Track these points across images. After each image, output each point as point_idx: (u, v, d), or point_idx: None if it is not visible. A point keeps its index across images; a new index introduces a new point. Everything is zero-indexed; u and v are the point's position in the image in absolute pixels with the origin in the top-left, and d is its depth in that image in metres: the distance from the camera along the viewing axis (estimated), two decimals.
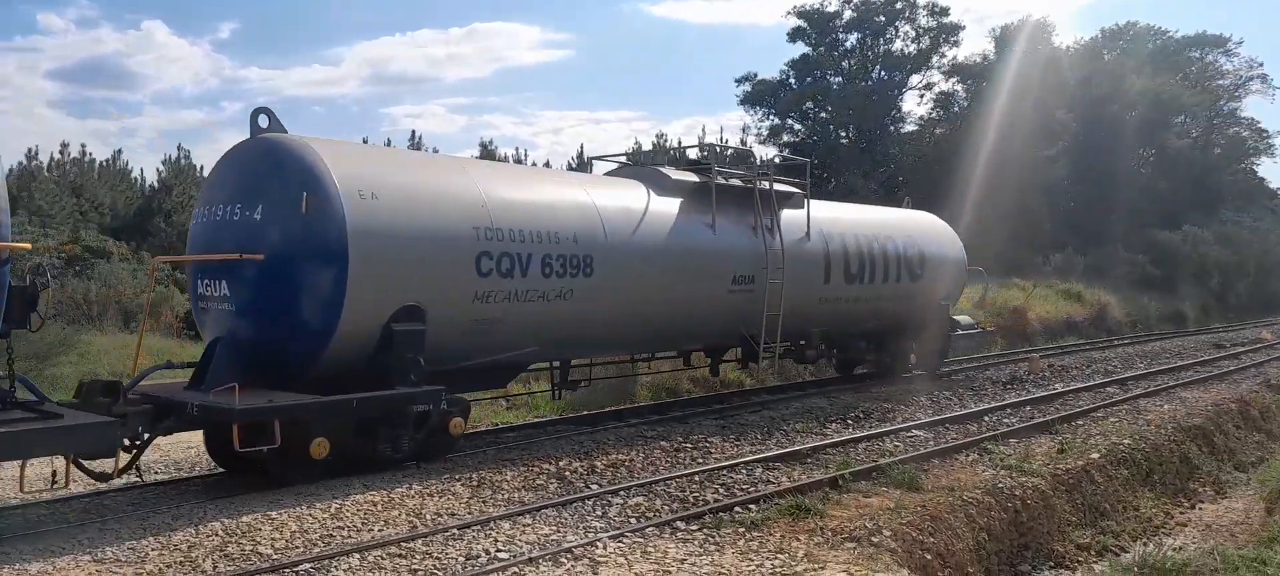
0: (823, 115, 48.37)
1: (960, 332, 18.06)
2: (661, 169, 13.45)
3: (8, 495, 9.26)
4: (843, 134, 48.09)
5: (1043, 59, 45.17)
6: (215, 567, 6.52)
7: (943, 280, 17.56)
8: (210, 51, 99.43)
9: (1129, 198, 45.71)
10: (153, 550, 6.87)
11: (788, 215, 14.42)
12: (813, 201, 15.25)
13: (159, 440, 11.17)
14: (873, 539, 7.45)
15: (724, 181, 13.56)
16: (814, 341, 15.18)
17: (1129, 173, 48.54)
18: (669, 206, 12.63)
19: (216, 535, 7.23)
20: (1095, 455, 11.08)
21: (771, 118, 48.73)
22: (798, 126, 48.57)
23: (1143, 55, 54.04)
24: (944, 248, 17.98)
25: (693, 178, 13.36)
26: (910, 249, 16.80)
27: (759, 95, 48.66)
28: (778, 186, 14.46)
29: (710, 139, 57.47)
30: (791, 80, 48.48)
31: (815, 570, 6.62)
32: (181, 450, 11.33)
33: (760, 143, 52.36)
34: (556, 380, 13.01)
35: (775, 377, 17.29)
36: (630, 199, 12.22)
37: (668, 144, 52.53)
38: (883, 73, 48.03)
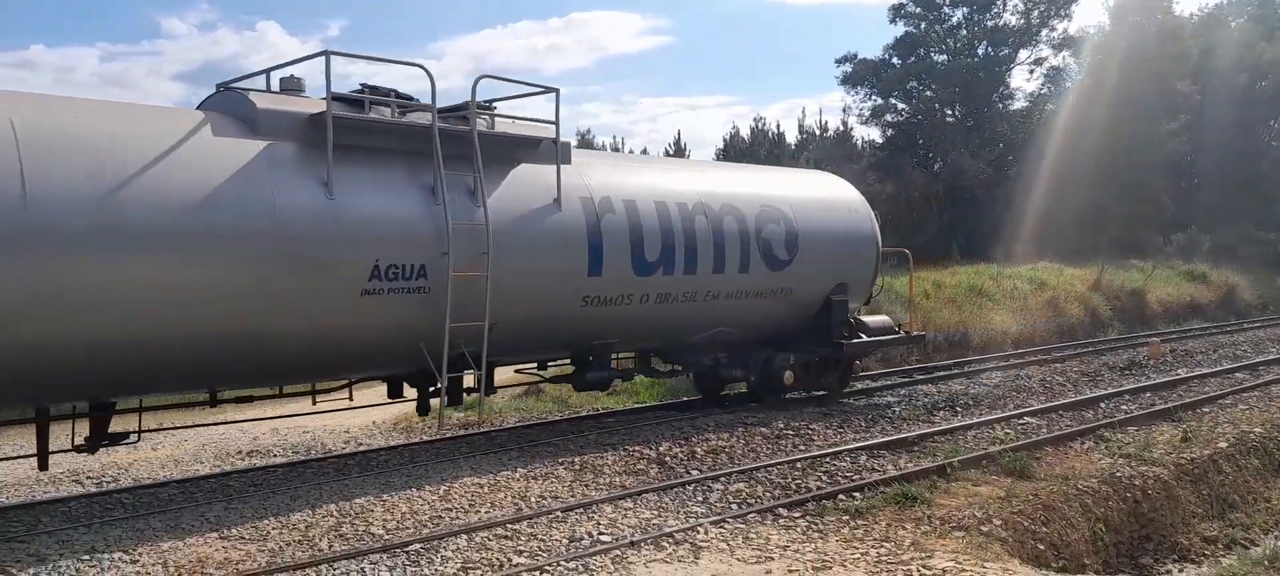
0: (927, 93, 47.11)
1: (866, 340, 12.98)
2: (250, 94, 8.50)
3: (143, 475, 9.82)
4: (949, 112, 46.78)
5: (1162, 29, 42.93)
6: (330, 547, 6.76)
7: (831, 268, 12.63)
8: (321, 49, 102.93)
9: (1264, 171, 43.10)
10: (273, 528, 7.18)
11: (523, 173, 9.73)
12: (589, 155, 11.43)
13: (277, 425, 11.73)
14: (982, 528, 7.25)
15: (358, 114, 8.63)
16: (600, 357, 10.65)
17: (1260, 147, 45.81)
18: (239, 155, 7.90)
19: (331, 515, 7.52)
20: (1223, 444, 10.52)
21: (873, 98, 47.72)
22: (901, 105, 47.45)
23: (1275, 21, 50.90)
24: (836, 223, 12.97)
25: (301, 110, 8.49)
26: (771, 225, 11.88)
27: (860, 75, 47.68)
28: (499, 126, 9.75)
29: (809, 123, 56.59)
30: (894, 59, 47.35)
31: (923, 559, 6.48)
32: (298, 434, 11.83)
33: (862, 123, 51.45)
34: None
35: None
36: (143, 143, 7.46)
37: (766, 129, 52.01)
38: (990, 48, 46.45)
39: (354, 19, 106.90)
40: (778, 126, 56.33)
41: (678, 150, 49.41)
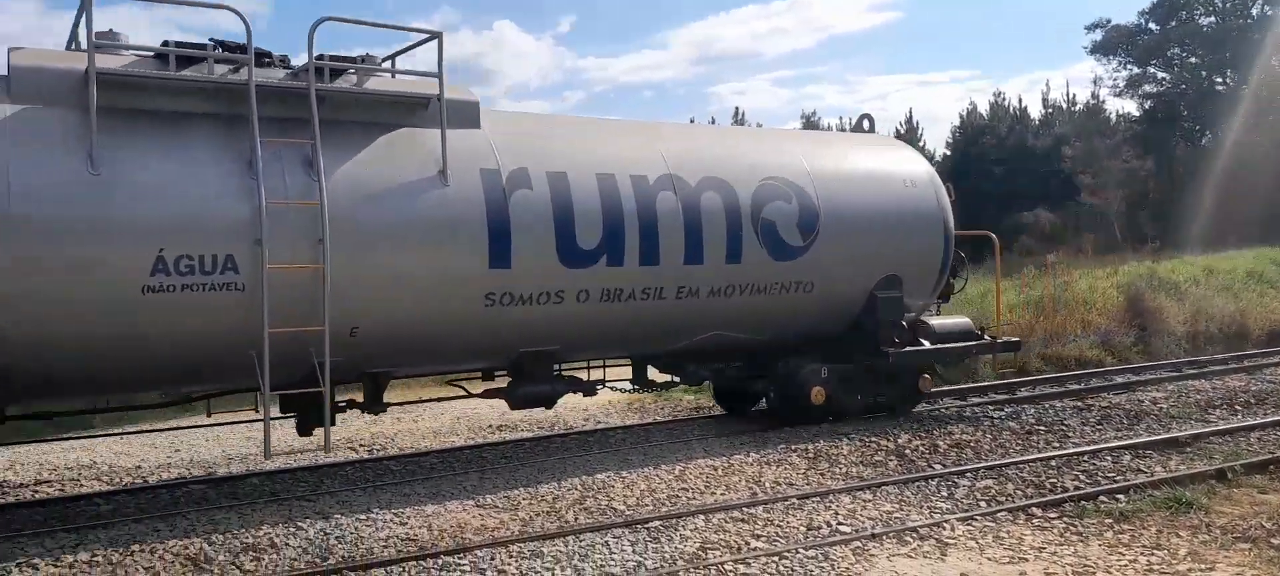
0: (1192, 60, 42.80)
1: (925, 348, 10.66)
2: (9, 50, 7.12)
3: (407, 445, 10.63)
4: (1218, 80, 42.27)
5: None
6: (576, 519, 7.04)
7: (874, 256, 10.29)
8: (552, 46, 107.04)
9: None
10: (524, 499, 7.58)
11: (402, 139, 8.09)
12: (515, 117, 9.59)
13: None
14: (1273, 541, 6.49)
15: (138, 72, 7.15)
16: (537, 367, 8.90)
17: None
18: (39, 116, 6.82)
19: (576, 489, 7.83)
20: None
21: (1128, 67, 43.94)
22: (1161, 75, 43.39)
23: None
24: (883, 200, 10.50)
25: (72, 66, 7.03)
26: (778, 203, 9.62)
27: (1113, 43, 44.05)
28: (369, 84, 8.12)
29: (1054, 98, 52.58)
30: (1151, 24, 43.35)
31: (1203, 571, 5.89)
32: (545, 414, 12.36)
33: (1115, 95, 47.50)
34: None
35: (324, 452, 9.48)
36: None
37: (1007, 104, 48.95)
38: (1267, 8, 41.50)
39: (582, 14, 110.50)
40: (1019, 101, 52.60)
41: (910, 129, 47.56)
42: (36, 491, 8.78)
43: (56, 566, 6.09)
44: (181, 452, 10.59)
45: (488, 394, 9.35)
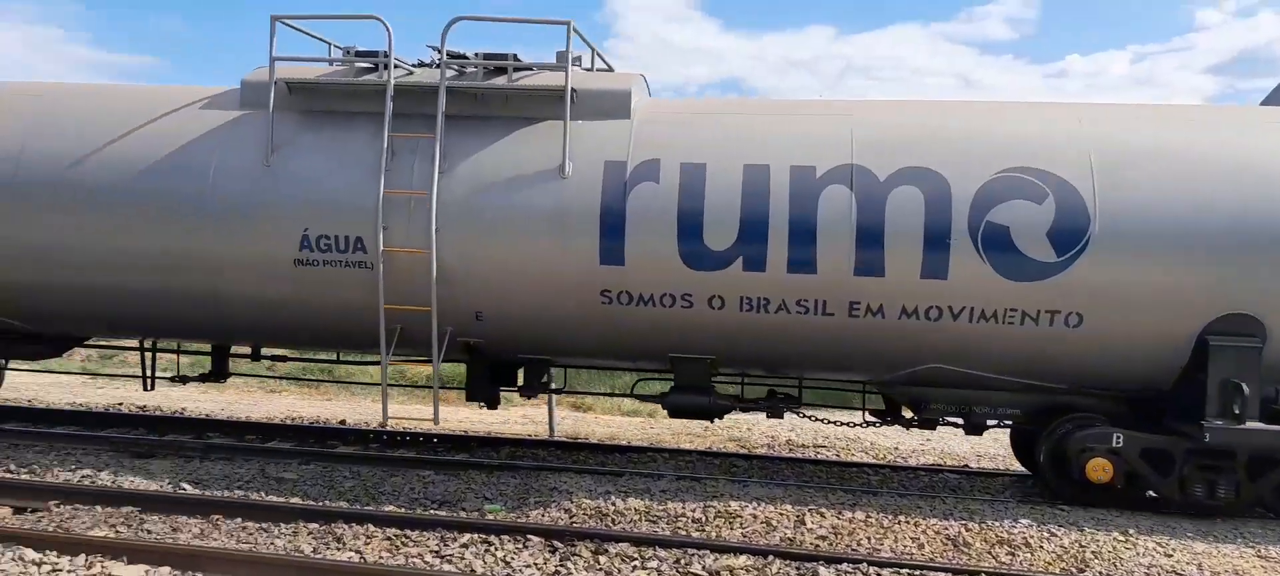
0: None
1: (1265, 428, 7.08)
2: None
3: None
4: None
5: None
6: None
7: (1200, 284, 7.10)
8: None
9: None
10: None
11: (536, 133, 7.89)
12: (681, 106, 8.47)
13: None
14: None
15: (304, 78, 8.11)
16: (691, 375, 8.03)
17: None
18: (202, 120, 8.32)
19: None
20: None
21: None
22: None
23: None
24: (1222, 200, 7.11)
25: (260, 78, 8.22)
26: (1017, 200, 7.19)
27: None
28: (500, 81, 7.94)
29: None
30: None
31: None
32: None
33: None
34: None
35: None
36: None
37: None
38: None
39: None
40: None
41: None
42: (818, 453, 10.54)
43: (838, 519, 7.09)
44: (932, 442, 11.57)
45: (644, 398, 9.03)
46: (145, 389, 10.16)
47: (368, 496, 7.56)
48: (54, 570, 5.67)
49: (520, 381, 8.92)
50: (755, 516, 7.09)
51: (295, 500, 7.34)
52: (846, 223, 7.41)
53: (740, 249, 7.52)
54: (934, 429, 8.52)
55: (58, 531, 6.34)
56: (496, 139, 7.99)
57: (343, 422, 11.40)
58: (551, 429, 11.13)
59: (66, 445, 9.02)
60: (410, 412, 9.93)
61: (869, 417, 8.97)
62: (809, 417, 8.94)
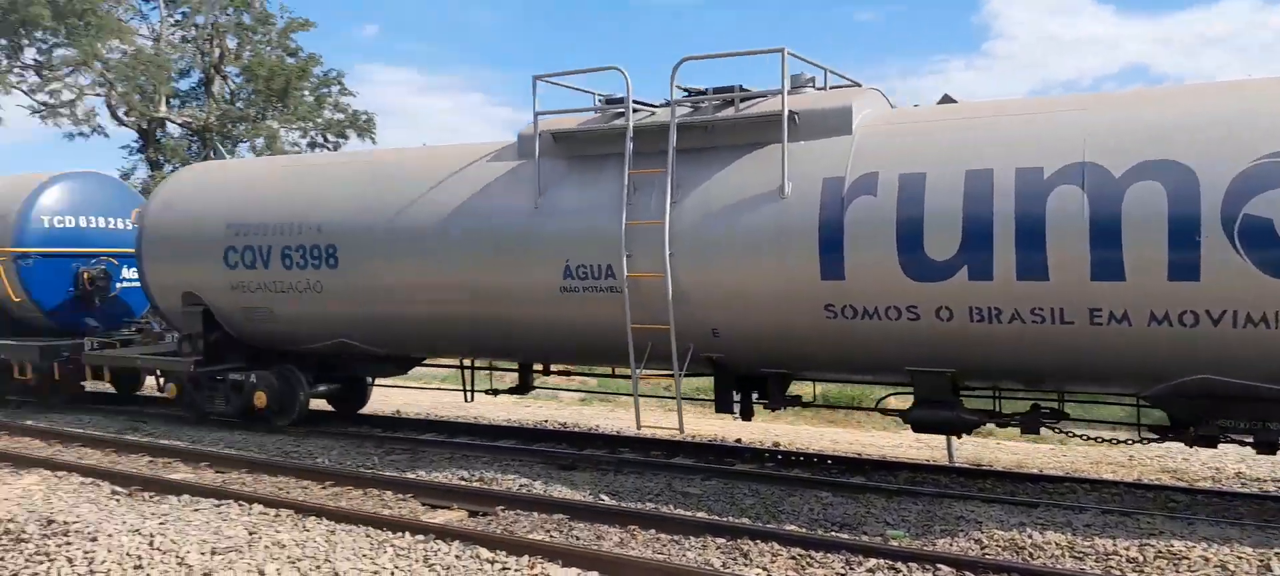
0: None
1: None
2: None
3: None
4: None
5: None
6: None
7: None
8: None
9: None
10: None
11: (758, 158, 8.35)
12: (900, 117, 8.44)
13: None
14: None
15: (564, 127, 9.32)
16: (936, 389, 7.77)
17: None
18: (487, 171, 9.86)
19: None
20: None
21: None
22: None
23: None
24: None
25: (530, 131, 9.52)
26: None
27: None
28: (724, 112, 8.56)
29: None
30: None
31: None
32: None
33: None
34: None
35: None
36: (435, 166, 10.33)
37: None
38: None
39: None
40: None
41: None
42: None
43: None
44: None
45: (885, 412, 9.17)
46: (466, 401, 11.98)
47: (769, 514, 7.83)
48: (503, 569, 6.48)
49: (761, 395, 9.36)
50: (1207, 559, 6.43)
51: (701, 515, 7.76)
52: (1078, 224, 7.03)
53: (964, 258, 7.40)
54: (1215, 447, 7.88)
55: (505, 534, 7.25)
56: (723, 167, 8.60)
57: (738, 441, 11.47)
58: (950, 454, 10.56)
59: (507, 457, 10.08)
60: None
61: (1148, 434, 8.23)
62: (1070, 434, 8.53)
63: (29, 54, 34.07)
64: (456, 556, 6.82)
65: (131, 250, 12.89)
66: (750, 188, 8.37)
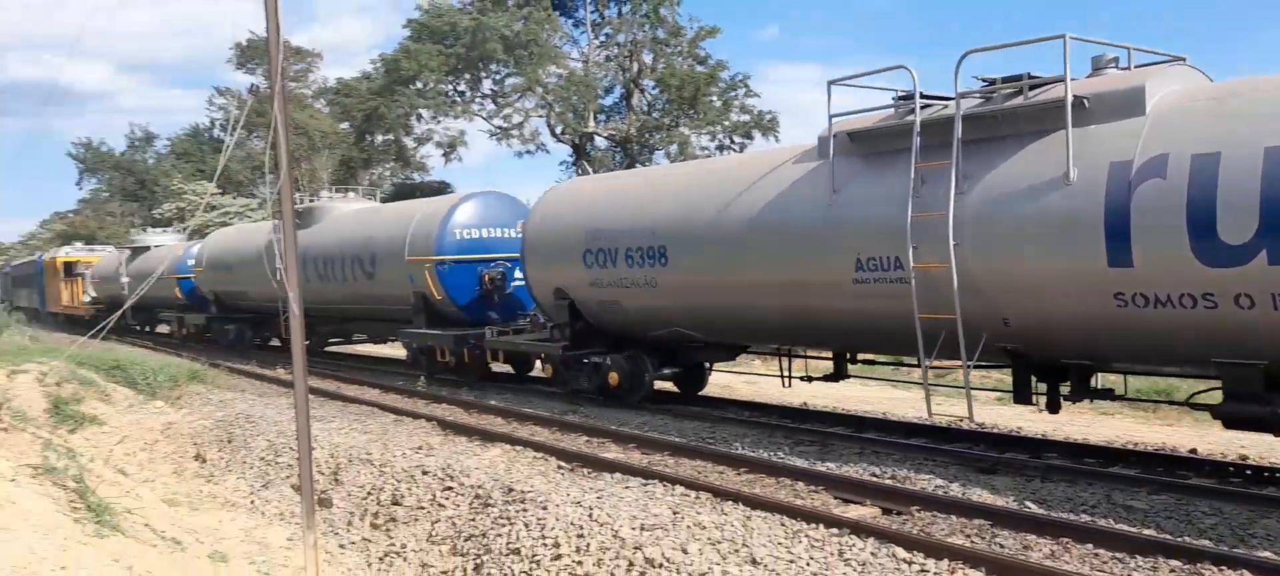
0: None
1: None
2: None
3: None
4: None
5: None
6: None
7: None
8: None
9: None
10: None
11: (1045, 146, 8.22)
12: (1170, 96, 7.89)
13: None
14: None
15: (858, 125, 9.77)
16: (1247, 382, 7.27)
17: None
18: (790, 173, 10.52)
19: None
20: None
21: None
22: None
23: None
24: None
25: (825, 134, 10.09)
26: None
27: None
28: (972, 109, 8.67)
29: None
30: None
31: None
32: None
33: None
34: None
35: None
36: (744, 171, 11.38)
37: None
38: None
39: None
40: None
41: None
42: None
43: None
44: None
45: (1193, 405, 8.85)
46: (784, 387, 12.72)
47: (1235, 538, 6.90)
48: (921, 571, 6.40)
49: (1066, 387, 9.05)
50: None
51: (1149, 532, 7.02)
52: None
53: (1264, 241, 6.90)
54: None
55: (922, 535, 7.05)
56: (1008, 156, 8.57)
57: (1193, 452, 10.23)
58: None
59: (919, 456, 9.76)
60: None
61: None
62: None
63: (486, 85, 39.53)
64: (872, 554, 6.76)
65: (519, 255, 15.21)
66: (1035, 175, 8.27)
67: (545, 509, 8.22)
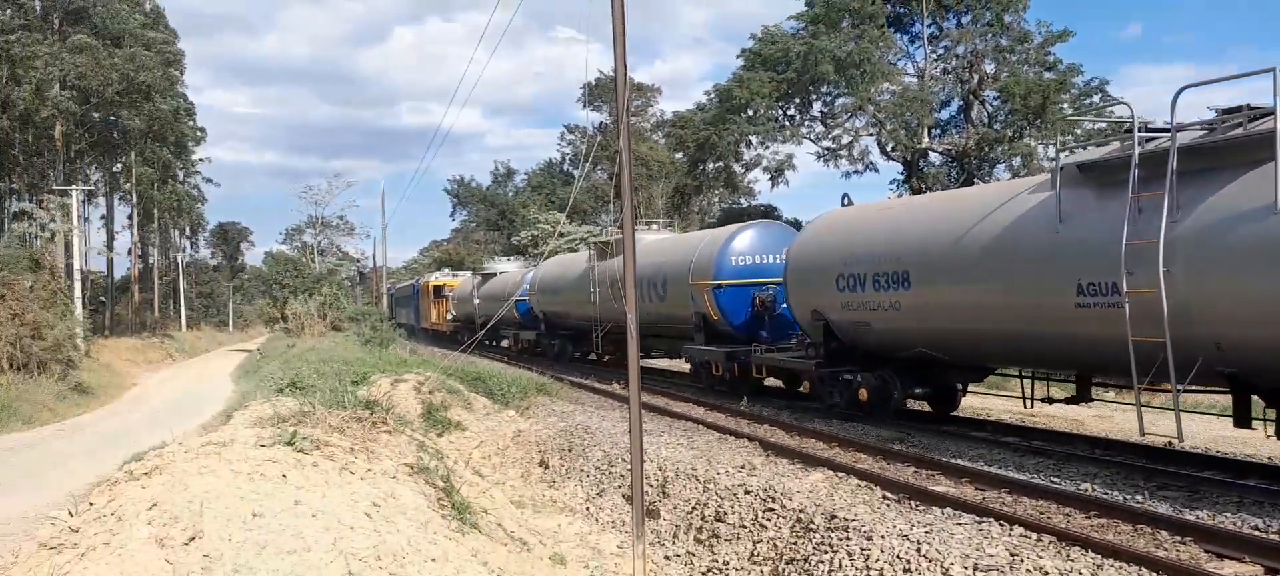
0: None
1: None
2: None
3: None
4: None
5: None
6: None
7: None
8: None
9: None
10: None
11: (1259, 177, 8.54)
12: None
13: None
14: None
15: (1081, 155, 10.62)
16: None
17: None
18: (1023, 203, 11.11)
19: None
20: None
21: None
22: None
23: None
24: None
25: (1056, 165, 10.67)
26: None
27: None
28: (1189, 141, 9.12)
29: None
30: None
31: None
32: None
33: None
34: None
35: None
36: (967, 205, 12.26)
37: None
38: None
39: None
40: None
41: None
42: None
43: None
44: None
45: None
46: (1025, 407, 13.02)
47: None
48: None
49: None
50: None
51: None
52: None
53: None
54: None
55: None
56: (1221, 187, 8.84)
57: None
58: None
59: None
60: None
61: None
62: None
63: (815, 107, 39.49)
64: None
65: None
66: (1245, 204, 8.54)
67: (869, 539, 7.95)
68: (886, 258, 13.02)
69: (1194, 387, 9.67)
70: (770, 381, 18.53)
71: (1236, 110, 8.92)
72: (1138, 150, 9.42)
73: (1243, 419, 9.49)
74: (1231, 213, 8.63)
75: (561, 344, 29.32)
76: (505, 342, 36.91)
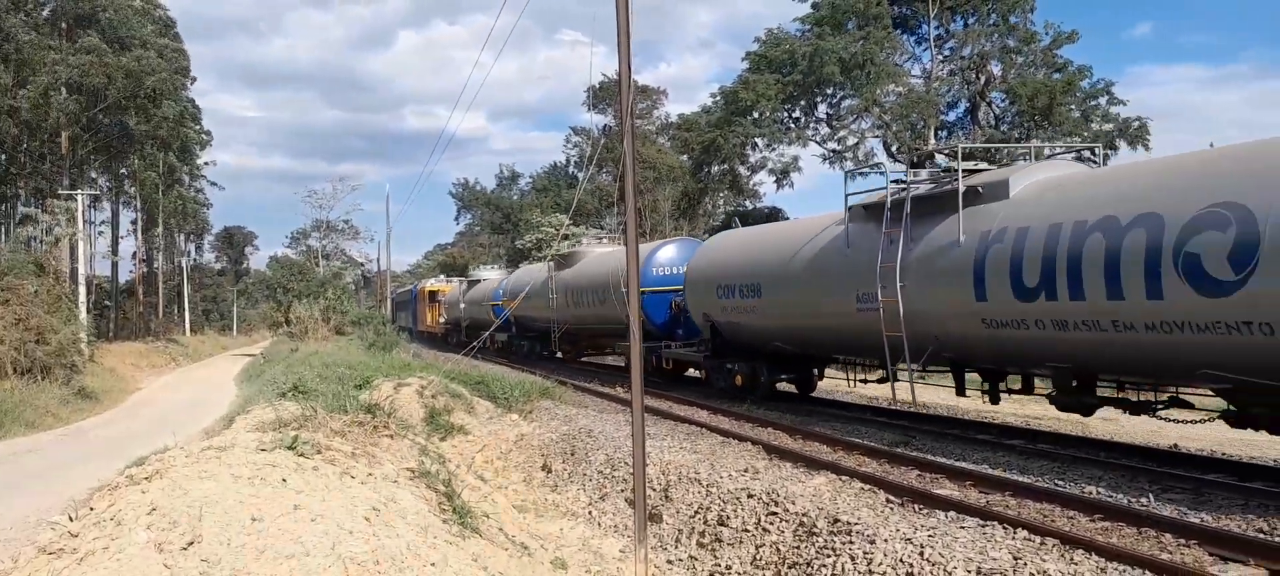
0: None
1: None
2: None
3: None
4: None
5: None
6: None
7: None
8: None
9: None
10: None
11: (963, 217, 11.95)
12: (1064, 180, 11.56)
13: None
14: None
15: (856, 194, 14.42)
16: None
17: None
18: (830, 232, 15.00)
19: None
20: None
21: None
22: None
23: None
24: None
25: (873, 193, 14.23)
26: (1211, 232, 8.64)
27: None
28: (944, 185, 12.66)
29: None
30: None
31: None
32: None
33: None
34: None
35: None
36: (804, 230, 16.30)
37: None
38: None
39: None
40: None
41: None
42: None
43: None
44: None
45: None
46: (849, 387, 18.07)
47: None
48: None
49: None
50: None
51: None
52: (1097, 260, 9.92)
53: (1043, 287, 10.70)
54: None
55: None
56: (937, 225, 12.39)
57: None
58: None
59: None
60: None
61: None
62: None
63: (821, 109, 39.41)
64: None
65: None
66: (945, 239, 12.12)
67: (872, 543, 7.90)
68: (748, 272, 16.94)
69: (931, 369, 13.76)
70: (691, 372, 22.33)
71: (948, 170, 12.43)
72: (889, 198, 13.12)
73: (960, 390, 13.38)
74: (939, 244, 12.16)
75: (530, 344, 33.57)
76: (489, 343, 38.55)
